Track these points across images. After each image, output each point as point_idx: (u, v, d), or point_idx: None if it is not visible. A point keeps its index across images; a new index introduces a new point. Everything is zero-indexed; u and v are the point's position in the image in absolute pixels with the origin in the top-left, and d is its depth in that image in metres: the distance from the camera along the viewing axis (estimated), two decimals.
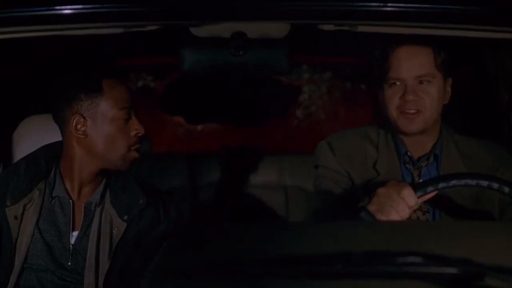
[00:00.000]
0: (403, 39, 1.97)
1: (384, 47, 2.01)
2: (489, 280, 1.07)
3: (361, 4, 1.63)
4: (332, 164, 2.09)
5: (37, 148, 2.12)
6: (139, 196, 2.05)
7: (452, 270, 1.08)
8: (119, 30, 1.68)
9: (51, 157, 2.06)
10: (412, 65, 1.97)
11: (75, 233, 2.01)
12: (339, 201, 2.05)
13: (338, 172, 2.08)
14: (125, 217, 2.02)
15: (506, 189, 1.72)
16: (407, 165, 2.05)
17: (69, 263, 2.00)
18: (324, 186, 2.10)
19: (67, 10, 1.61)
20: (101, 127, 1.97)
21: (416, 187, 1.77)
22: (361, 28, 1.68)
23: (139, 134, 2.00)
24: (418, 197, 1.76)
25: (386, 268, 1.10)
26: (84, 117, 1.97)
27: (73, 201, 2.02)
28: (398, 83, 1.99)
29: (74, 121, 1.98)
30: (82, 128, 1.98)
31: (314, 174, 2.16)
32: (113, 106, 1.97)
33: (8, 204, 1.98)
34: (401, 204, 1.75)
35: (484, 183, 1.73)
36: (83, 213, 2.02)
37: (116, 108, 1.97)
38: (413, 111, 1.97)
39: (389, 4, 1.62)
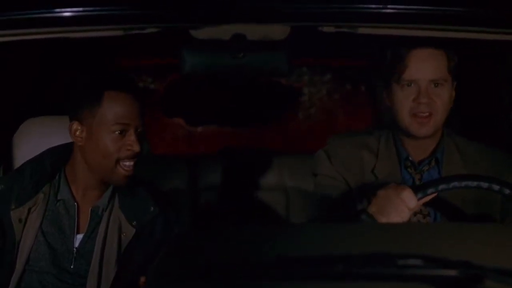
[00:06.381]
0: (418, 42, 1.97)
1: (398, 48, 2.00)
2: (489, 282, 1.07)
3: (361, 6, 1.63)
4: (329, 172, 2.10)
5: (37, 150, 2.12)
6: (150, 203, 2.03)
7: (452, 272, 1.08)
8: (119, 33, 1.68)
9: (56, 160, 2.06)
10: (428, 68, 1.97)
11: (80, 236, 2.01)
12: (338, 207, 2.06)
13: (336, 179, 2.09)
14: (134, 223, 2.01)
15: (507, 191, 1.72)
16: (409, 169, 2.05)
17: (71, 266, 2.00)
18: (323, 193, 2.11)
19: (67, 13, 1.61)
20: (95, 138, 1.94)
21: (416, 189, 1.77)
22: (361, 30, 1.68)
23: (133, 151, 1.94)
24: (418, 199, 1.76)
25: (386, 270, 1.10)
26: (82, 124, 1.96)
27: (78, 204, 2.02)
28: (412, 85, 1.98)
29: (73, 126, 1.97)
30: (80, 135, 1.96)
31: (313, 183, 2.17)
32: (108, 120, 1.93)
33: (13, 207, 1.98)
34: (401, 206, 1.75)
35: (485, 184, 1.73)
36: (89, 216, 2.02)
37: (110, 123, 1.93)
38: (426, 114, 1.96)
39: (389, 6, 1.62)
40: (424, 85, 1.97)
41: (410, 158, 2.04)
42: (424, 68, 1.97)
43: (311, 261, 1.13)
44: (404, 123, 2.00)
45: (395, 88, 2.01)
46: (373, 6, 1.62)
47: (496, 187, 1.72)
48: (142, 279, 1.86)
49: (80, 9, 1.60)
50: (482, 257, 1.13)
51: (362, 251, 1.14)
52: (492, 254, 1.20)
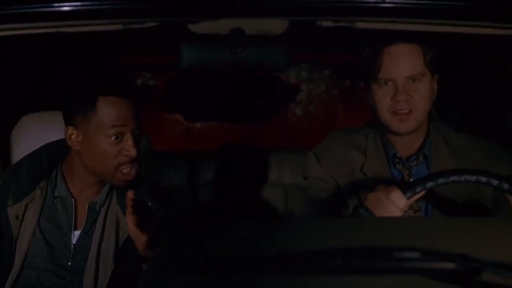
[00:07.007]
0: (392, 38, 1.96)
1: (372, 46, 2.00)
2: (486, 275, 1.07)
3: (359, 0, 1.63)
4: (319, 174, 2.11)
5: (36, 145, 2.11)
6: (148, 199, 2.03)
7: (449, 265, 1.09)
8: (118, 27, 1.68)
9: (53, 156, 2.05)
10: (403, 65, 1.96)
11: (77, 233, 2.01)
12: (331, 209, 2.06)
13: (327, 181, 2.09)
14: None
15: (495, 182, 1.70)
16: (397, 166, 2.05)
17: (69, 263, 1.99)
18: (315, 195, 2.12)
19: (65, 7, 1.61)
20: (92, 143, 1.92)
21: (404, 188, 1.76)
22: (359, 25, 1.68)
23: (130, 156, 1.92)
24: (408, 198, 1.76)
25: (384, 263, 1.11)
26: (77, 129, 1.94)
27: (75, 201, 2.01)
28: (389, 83, 1.98)
29: (69, 131, 1.95)
30: (76, 139, 1.95)
31: (305, 185, 2.18)
32: (105, 124, 1.90)
33: (10, 203, 1.97)
34: (391, 207, 1.75)
35: (472, 177, 1.70)
36: (86, 212, 2.01)
37: (107, 126, 1.90)
38: (405, 110, 1.97)
39: (388, 0, 1.62)
40: (401, 82, 1.96)
41: (397, 155, 2.05)
42: (400, 65, 1.96)
43: (309, 255, 1.14)
44: (385, 121, 2.01)
45: (373, 86, 2.01)
46: (372, 0, 1.62)
47: (483, 179, 1.70)
48: (130, 194, 1.85)
49: (79, 3, 1.60)
50: (479, 250, 1.14)
51: (360, 245, 1.15)
52: (489, 247, 1.21)
